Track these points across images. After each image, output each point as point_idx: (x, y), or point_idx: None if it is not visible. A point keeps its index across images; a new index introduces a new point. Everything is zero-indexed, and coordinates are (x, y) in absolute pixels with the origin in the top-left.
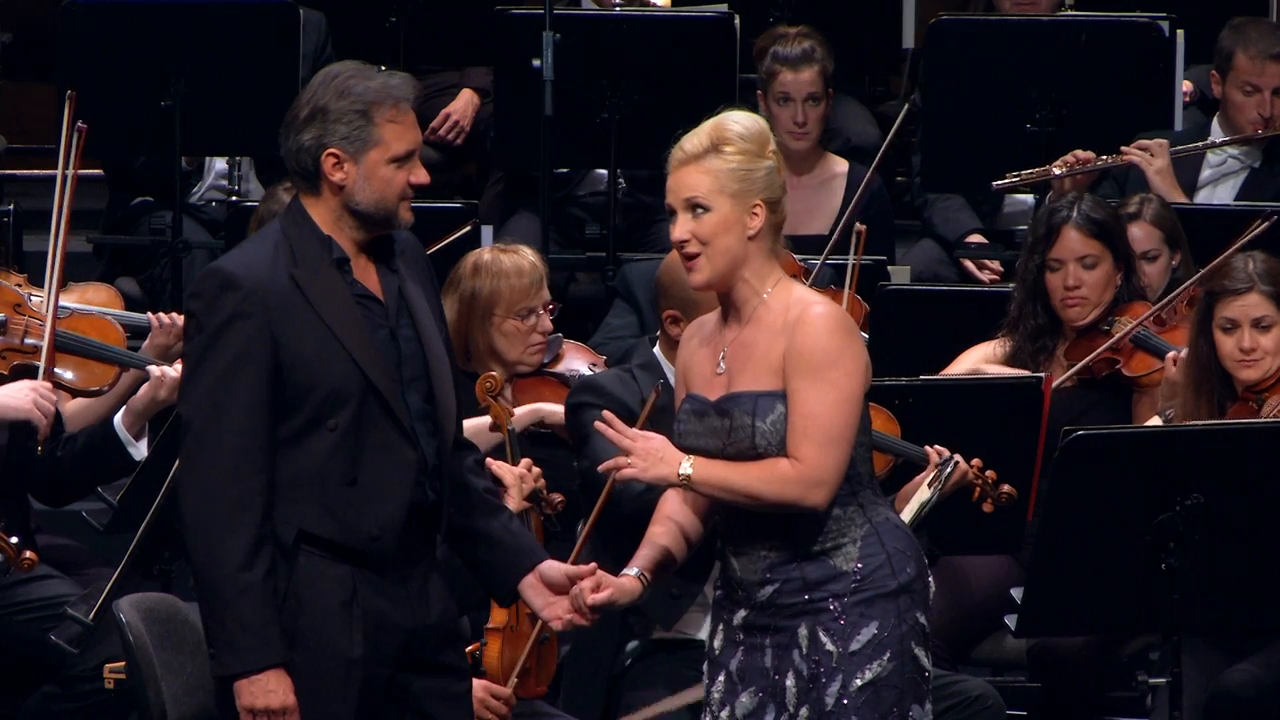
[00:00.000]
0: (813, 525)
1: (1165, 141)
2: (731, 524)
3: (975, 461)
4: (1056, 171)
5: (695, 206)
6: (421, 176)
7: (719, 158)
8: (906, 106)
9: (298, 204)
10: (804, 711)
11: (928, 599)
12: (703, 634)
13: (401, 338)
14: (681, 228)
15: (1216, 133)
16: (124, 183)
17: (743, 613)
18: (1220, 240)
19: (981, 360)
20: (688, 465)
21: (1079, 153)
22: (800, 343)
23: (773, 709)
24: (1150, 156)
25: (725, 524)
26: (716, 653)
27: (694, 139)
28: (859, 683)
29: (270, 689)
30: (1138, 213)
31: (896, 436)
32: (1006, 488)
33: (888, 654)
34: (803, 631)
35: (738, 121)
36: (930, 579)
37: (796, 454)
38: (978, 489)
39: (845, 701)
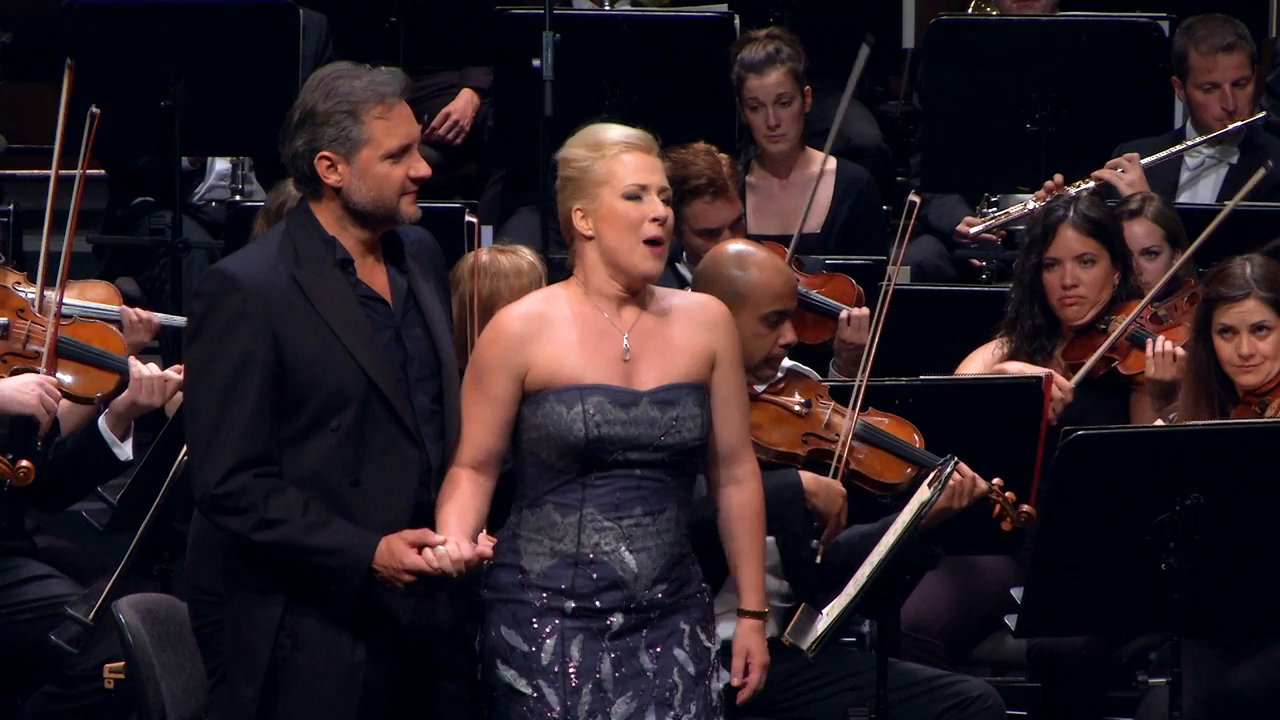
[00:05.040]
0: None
1: (1135, 155)
2: (625, 520)
3: (996, 481)
4: (1033, 204)
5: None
6: (421, 169)
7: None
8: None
9: (304, 206)
10: (694, 707)
11: None
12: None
13: (408, 337)
14: (657, 209)
15: (1191, 135)
16: (125, 182)
17: (619, 617)
18: (1219, 240)
19: (993, 362)
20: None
21: (1049, 184)
22: (730, 344)
23: (654, 712)
24: (1121, 173)
25: (616, 522)
26: (575, 663)
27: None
28: (727, 677)
29: (393, 550)
30: (1139, 210)
31: (921, 447)
32: (1026, 508)
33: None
34: (684, 626)
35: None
36: None
37: (742, 454)
38: (998, 507)
39: (725, 696)
